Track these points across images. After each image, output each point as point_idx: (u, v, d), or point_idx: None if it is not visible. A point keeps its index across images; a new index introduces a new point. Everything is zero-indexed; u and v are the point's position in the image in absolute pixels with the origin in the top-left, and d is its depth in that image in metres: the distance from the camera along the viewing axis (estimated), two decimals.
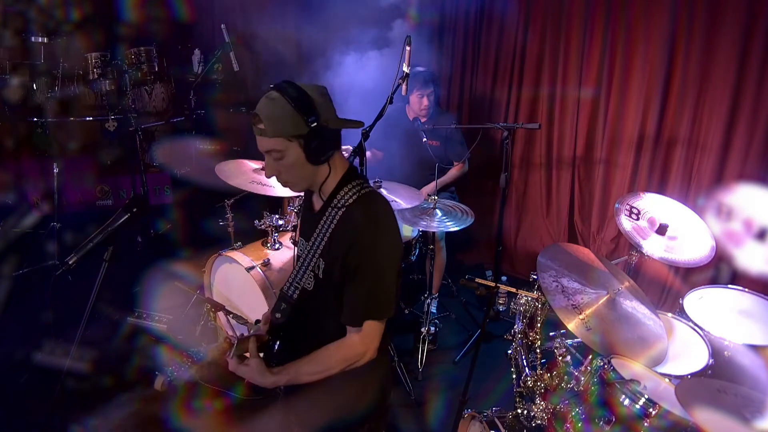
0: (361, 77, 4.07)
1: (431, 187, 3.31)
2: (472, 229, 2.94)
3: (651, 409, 1.65)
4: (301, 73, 4.63)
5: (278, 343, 1.53)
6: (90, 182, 4.68)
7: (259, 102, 1.42)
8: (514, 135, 4.00)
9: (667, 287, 3.36)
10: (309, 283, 1.51)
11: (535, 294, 2.29)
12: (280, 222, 2.88)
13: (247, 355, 1.49)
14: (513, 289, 2.50)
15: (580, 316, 1.95)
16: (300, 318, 1.56)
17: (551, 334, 2.21)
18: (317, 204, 1.56)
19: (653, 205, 2.60)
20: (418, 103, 3.39)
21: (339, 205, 1.47)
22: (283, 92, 1.39)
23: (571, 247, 2.27)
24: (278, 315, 1.55)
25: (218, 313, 2.84)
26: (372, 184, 2.93)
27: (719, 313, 2.31)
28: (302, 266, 1.52)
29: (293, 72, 4.69)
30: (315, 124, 1.39)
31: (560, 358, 2.08)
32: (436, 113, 3.52)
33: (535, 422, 1.98)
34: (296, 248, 1.68)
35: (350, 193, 1.48)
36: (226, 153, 4.54)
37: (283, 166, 1.45)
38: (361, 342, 1.46)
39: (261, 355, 1.50)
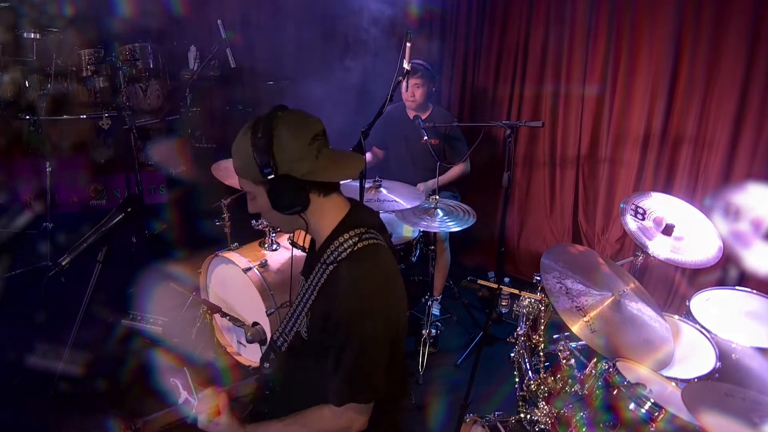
0: (360, 73, 4.07)
1: (431, 183, 3.31)
2: (474, 229, 2.94)
3: (657, 414, 1.65)
4: (298, 69, 4.64)
5: (267, 393, 1.48)
6: (83, 181, 4.68)
7: None
8: (516, 133, 3.98)
9: (674, 289, 3.36)
10: (296, 336, 1.43)
11: (538, 296, 2.29)
12: None
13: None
14: (516, 291, 2.50)
15: (585, 319, 1.95)
16: (288, 369, 1.47)
17: (555, 336, 2.21)
18: (316, 245, 1.45)
19: (659, 204, 2.60)
20: (405, 94, 3.38)
21: (330, 259, 1.34)
22: (253, 131, 1.29)
23: (576, 248, 2.27)
24: (266, 365, 1.48)
25: (214, 315, 2.84)
26: (371, 183, 2.95)
27: (727, 315, 2.32)
28: (293, 315, 1.43)
29: (291, 67, 4.70)
30: (271, 176, 1.27)
31: (564, 361, 2.08)
32: (436, 111, 3.52)
33: (538, 427, 1.97)
34: (299, 288, 1.55)
35: (346, 245, 1.33)
36: (223, 152, 4.54)
37: (258, 208, 1.38)
38: (344, 420, 1.34)
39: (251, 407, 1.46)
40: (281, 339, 1.46)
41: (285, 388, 1.49)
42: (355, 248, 1.33)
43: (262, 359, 1.51)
